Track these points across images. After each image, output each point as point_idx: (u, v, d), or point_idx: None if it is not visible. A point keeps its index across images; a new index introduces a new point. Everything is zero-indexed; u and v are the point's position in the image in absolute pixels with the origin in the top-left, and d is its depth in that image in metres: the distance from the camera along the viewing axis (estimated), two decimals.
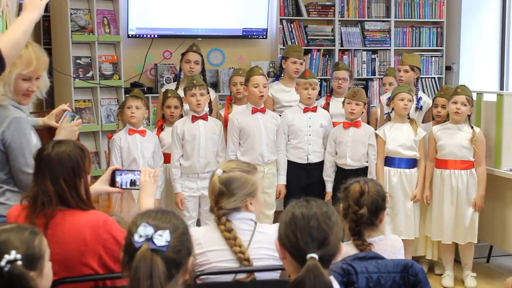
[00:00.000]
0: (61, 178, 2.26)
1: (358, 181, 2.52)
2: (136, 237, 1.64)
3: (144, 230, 1.64)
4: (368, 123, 4.95)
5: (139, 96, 4.44)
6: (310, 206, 1.81)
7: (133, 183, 2.70)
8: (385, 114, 4.83)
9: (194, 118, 4.42)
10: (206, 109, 4.63)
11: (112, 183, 2.71)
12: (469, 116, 4.44)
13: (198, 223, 4.50)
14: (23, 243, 1.71)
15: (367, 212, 2.45)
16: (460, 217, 4.42)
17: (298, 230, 1.75)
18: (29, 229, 1.78)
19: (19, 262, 1.66)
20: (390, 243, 2.57)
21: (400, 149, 4.49)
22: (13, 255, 1.65)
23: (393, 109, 4.60)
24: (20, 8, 2.59)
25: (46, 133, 3.02)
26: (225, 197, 2.37)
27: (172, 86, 5.12)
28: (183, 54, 5.09)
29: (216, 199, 2.39)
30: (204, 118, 4.46)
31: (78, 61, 5.26)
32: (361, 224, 2.47)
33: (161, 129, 4.71)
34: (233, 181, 2.39)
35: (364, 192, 2.47)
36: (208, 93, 4.55)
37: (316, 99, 4.90)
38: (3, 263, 1.64)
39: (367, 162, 4.60)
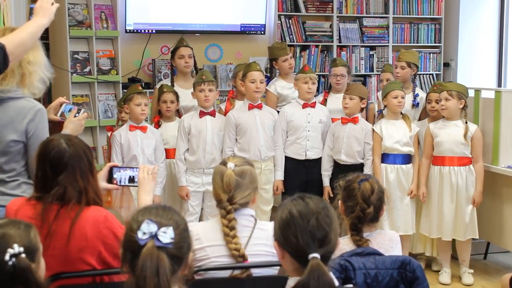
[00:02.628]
0: (88, 172, 2.28)
1: (368, 178, 2.53)
2: (140, 234, 1.63)
3: (148, 227, 1.64)
4: (367, 119, 4.94)
5: (144, 92, 4.45)
6: (306, 204, 1.79)
7: (131, 180, 2.69)
8: (377, 111, 4.82)
9: (202, 114, 4.43)
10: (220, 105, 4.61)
11: (109, 179, 2.70)
12: (464, 109, 4.43)
13: (201, 219, 4.49)
14: (22, 236, 1.69)
15: (373, 209, 2.47)
16: (460, 214, 4.42)
17: (298, 232, 1.74)
18: (23, 222, 1.77)
19: (23, 255, 1.65)
20: (387, 237, 2.57)
21: (397, 146, 4.49)
22: (16, 248, 1.64)
23: (385, 106, 4.59)
24: (31, 12, 2.62)
25: (57, 127, 3.01)
26: (241, 190, 2.37)
27: (166, 82, 5.11)
28: (173, 51, 5.08)
29: (232, 193, 2.36)
30: (212, 114, 4.47)
31: (76, 56, 5.25)
32: (365, 221, 2.48)
33: (158, 125, 4.70)
34: (246, 175, 2.40)
35: (374, 190, 2.49)
36: (217, 89, 4.54)
37: (315, 95, 4.89)
38: (7, 257, 1.62)
39: (362, 159, 4.59)
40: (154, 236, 1.63)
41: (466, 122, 4.42)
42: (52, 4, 2.64)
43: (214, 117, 4.49)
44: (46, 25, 2.60)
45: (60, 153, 2.27)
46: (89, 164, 2.30)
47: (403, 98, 4.52)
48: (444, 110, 4.42)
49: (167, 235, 1.64)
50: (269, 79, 5.38)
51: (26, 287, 1.63)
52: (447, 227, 4.45)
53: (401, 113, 4.60)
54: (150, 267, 1.59)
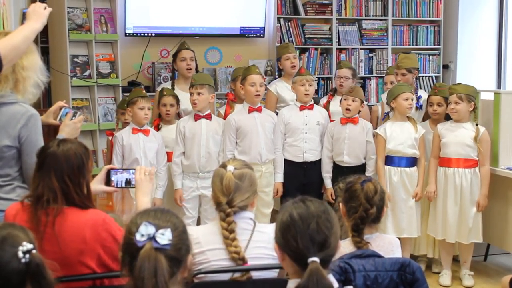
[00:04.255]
0: (66, 175, 2.28)
1: (370, 179, 2.54)
2: (138, 236, 1.64)
3: (146, 229, 1.64)
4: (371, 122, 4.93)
5: (147, 96, 4.45)
6: (307, 207, 1.79)
7: (128, 182, 2.70)
8: (384, 113, 4.81)
9: (197, 117, 4.42)
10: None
11: (107, 182, 2.71)
12: (474, 111, 4.40)
13: (198, 222, 4.49)
14: (24, 236, 1.69)
15: (376, 210, 2.48)
16: (464, 216, 4.40)
17: (298, 235, 1.74)
18: (18, 225, 1.77)
19: (34, 251, 1.65)
20: (387, 240, 2.58)
21: (401, 148, 4.47)
22: (26, 245, 1.64)
23: (391, 108, 4.58)
24: (24, 17, 2.64)
25: (52, 131, 3.02)
26: (240, 193, 2.37)
27: (167, 85, 5.12)
28: (175, 54, 5.10)
29: (232, 196, 2.37)
30: (208, 117, 4.45)
31: (75, 59, 5.26)
32: (366, 222, 2.48)
33: (157, 128, 4.70)
34: (246, 178, 2.40)
35: (377, 191, 2.50)
36: (213, 92, 4.51)
37: (320, 98, 4.89)
38: (20, 254, 1.62)
39: (365, 159, 4.59)
40: (152, 238, 1.64)
41: (477, 124, 4.40)
42: (45, 8, 2.65)
43: (210, 120, 4.46)
44: (39, 29, 2.62)
45: (41, 150, 2.33)
46: (70, 167, 2.28)
47: (413, 100, 4.52)
48: (454, 113, 4.39)
49: (165, 237, 1.64)
50: (275, 77, 5.40)
51: (38, 284, 1.63)
52: (451, 229, 4.43)
53: (407, 116, 4.58)
54: (148, 268, 1.59)
